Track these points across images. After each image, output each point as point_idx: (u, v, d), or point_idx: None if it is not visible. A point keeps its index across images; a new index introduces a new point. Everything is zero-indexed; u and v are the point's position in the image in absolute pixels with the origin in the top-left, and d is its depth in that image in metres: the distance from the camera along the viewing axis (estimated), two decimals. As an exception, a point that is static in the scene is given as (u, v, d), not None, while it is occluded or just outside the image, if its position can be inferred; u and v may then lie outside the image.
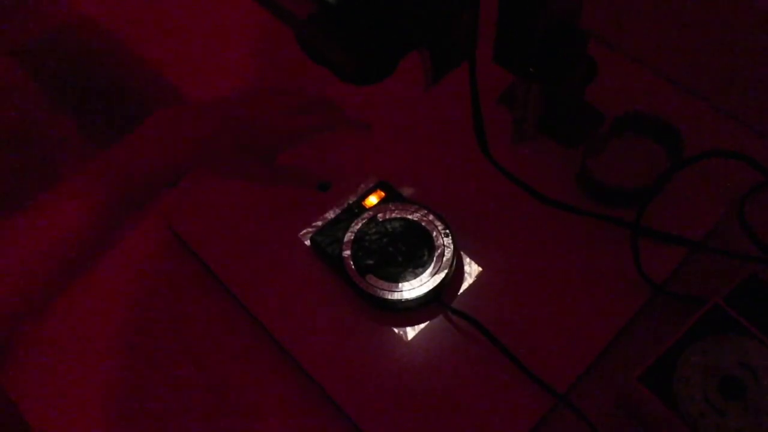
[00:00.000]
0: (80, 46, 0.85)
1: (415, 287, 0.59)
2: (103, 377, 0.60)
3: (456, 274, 0.62)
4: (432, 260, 0.60)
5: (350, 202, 0.65)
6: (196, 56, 0.81)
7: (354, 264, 0.61)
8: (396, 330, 0.60)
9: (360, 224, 0.63)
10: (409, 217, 0.63)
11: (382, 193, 0.66)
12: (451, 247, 0.61)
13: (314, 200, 0.66)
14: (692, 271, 0.61)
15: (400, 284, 0.60)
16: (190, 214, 0.68)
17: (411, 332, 0.60)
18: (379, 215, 0.63)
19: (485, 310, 0.60)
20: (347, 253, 0.61)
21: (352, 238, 0.62)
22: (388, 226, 0.63)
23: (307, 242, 0.64)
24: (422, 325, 0.60)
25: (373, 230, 0.63)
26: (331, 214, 0.65)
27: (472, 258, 0.63)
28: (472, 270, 0.62)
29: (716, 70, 0.73)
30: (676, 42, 0.75)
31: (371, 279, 0.60)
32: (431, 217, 0.63)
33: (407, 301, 0.59)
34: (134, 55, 0.83)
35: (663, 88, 0.71)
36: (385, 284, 0.60)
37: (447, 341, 0.59)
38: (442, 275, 0.60)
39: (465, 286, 0.61)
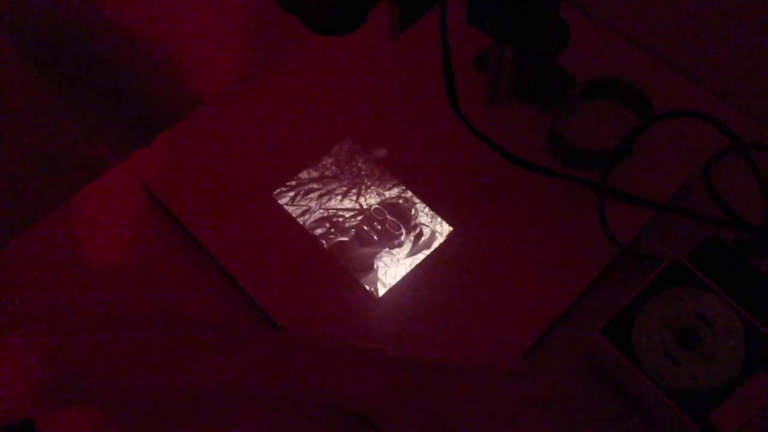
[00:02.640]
0: (51, 7, 0.84)
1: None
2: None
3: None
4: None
5: None
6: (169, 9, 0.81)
7: None
8: (367, 287, 0.61)
9: None
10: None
11: None
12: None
13: (288, 161, 0.66)
14: (658, 232, 0.62)
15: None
16: (163, 172, 0.68)
17: (382, 289, 0.61)
18: None
19: (455, 268, 0.61)
20: None
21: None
22: None
23: (281, 201, 0.65)
24: (393, 282, 0.61)
25: None
26: (305, 175, 0.66)
27: (443, 218, 0.63)
28: (442, 229, 0.63)
29: (687, 38, 0.74)
30: (648, 10, 0.76)
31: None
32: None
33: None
34: (102, 14, 0.82)
35: (635, 55, 0.72)
36: None
37: (416, 299, 0.60)
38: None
39: (435, 245, 0.62)
